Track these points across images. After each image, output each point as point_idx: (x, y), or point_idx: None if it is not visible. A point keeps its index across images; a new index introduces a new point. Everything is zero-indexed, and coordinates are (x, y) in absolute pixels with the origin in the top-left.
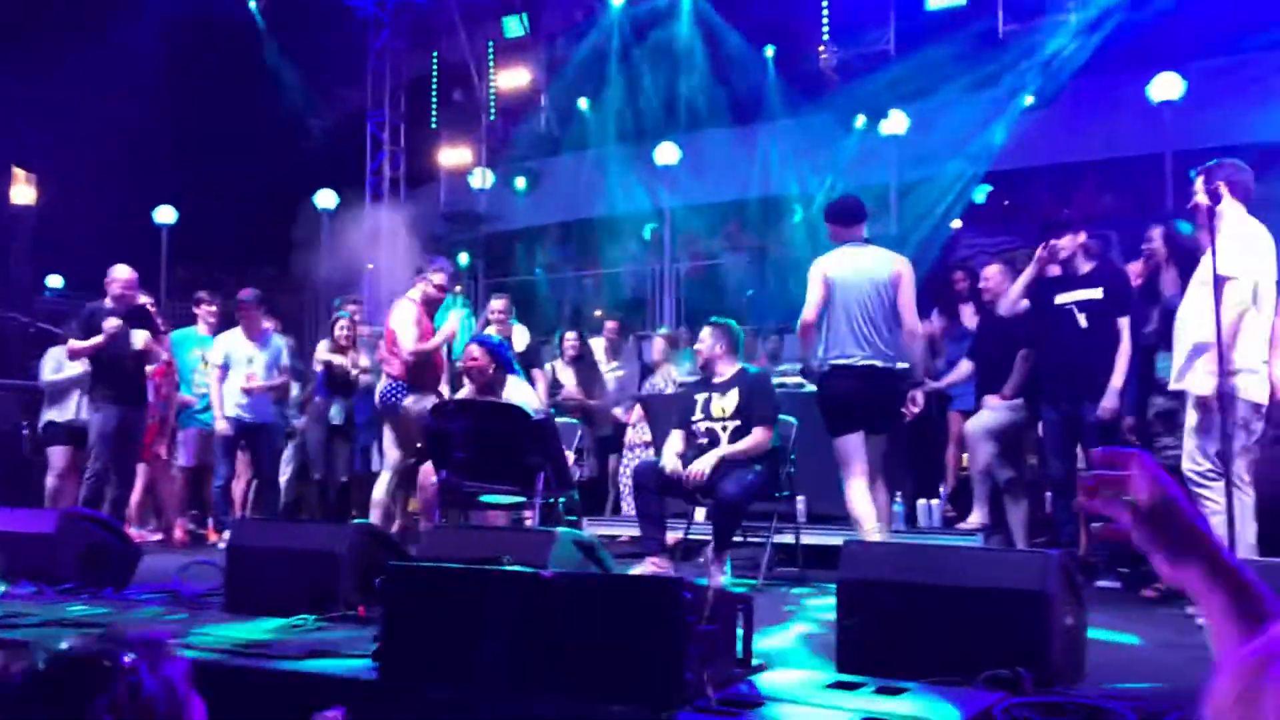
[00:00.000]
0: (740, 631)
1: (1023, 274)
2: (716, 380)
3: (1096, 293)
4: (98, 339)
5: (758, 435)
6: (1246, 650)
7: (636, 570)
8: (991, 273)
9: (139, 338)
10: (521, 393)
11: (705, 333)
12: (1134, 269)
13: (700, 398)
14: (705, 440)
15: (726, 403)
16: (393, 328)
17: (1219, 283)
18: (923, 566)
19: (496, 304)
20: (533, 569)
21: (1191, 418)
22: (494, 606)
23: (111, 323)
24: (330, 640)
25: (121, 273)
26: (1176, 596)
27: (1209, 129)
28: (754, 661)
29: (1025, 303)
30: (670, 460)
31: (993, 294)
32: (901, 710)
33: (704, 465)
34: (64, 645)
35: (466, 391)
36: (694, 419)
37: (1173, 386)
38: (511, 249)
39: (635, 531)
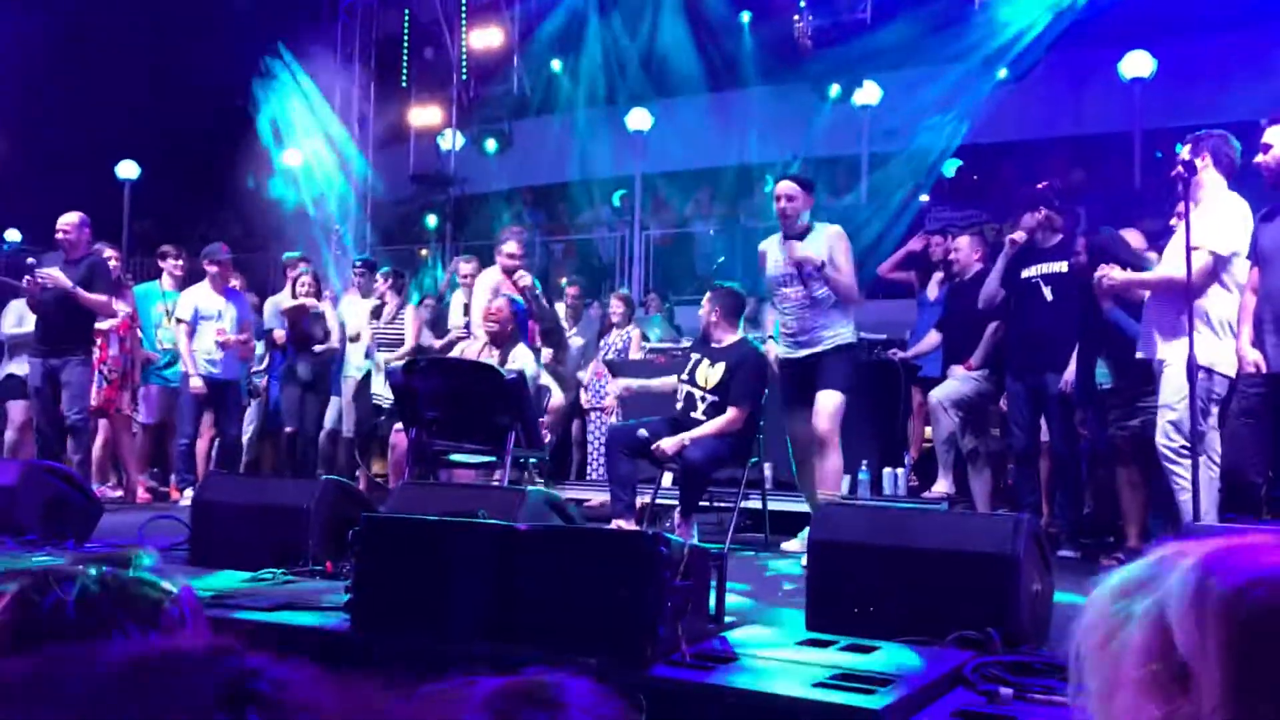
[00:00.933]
0: (713, 589)
1: (998, 261)
2: (714, 345)
3: (1061, 266)
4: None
5: (730, 415)
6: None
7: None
8: (962, 244)
9: (49, 276)
10: (524, 359)
11: (706, 297)
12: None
13: (694, 357)
14: (681, 404)
15: (712, 374)
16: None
17: (1190, 254)
18: (894, 529)
19: (465, 267)
20: (506, 523)
21: (1165, 391)
22: (469, 559)
23: (41, 272)
24: (300, 593)
25: (66, 219)
26: None
27: (1179, 107)
28: (726, 619)
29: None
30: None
31: (961, 265)
32: (873, 666)
33: (669, 445)
34: (94, 571)
35: (474, 348)
36: (682, 377)
37: (1143, 354)
38: (480, 212)
39: (601, 495)
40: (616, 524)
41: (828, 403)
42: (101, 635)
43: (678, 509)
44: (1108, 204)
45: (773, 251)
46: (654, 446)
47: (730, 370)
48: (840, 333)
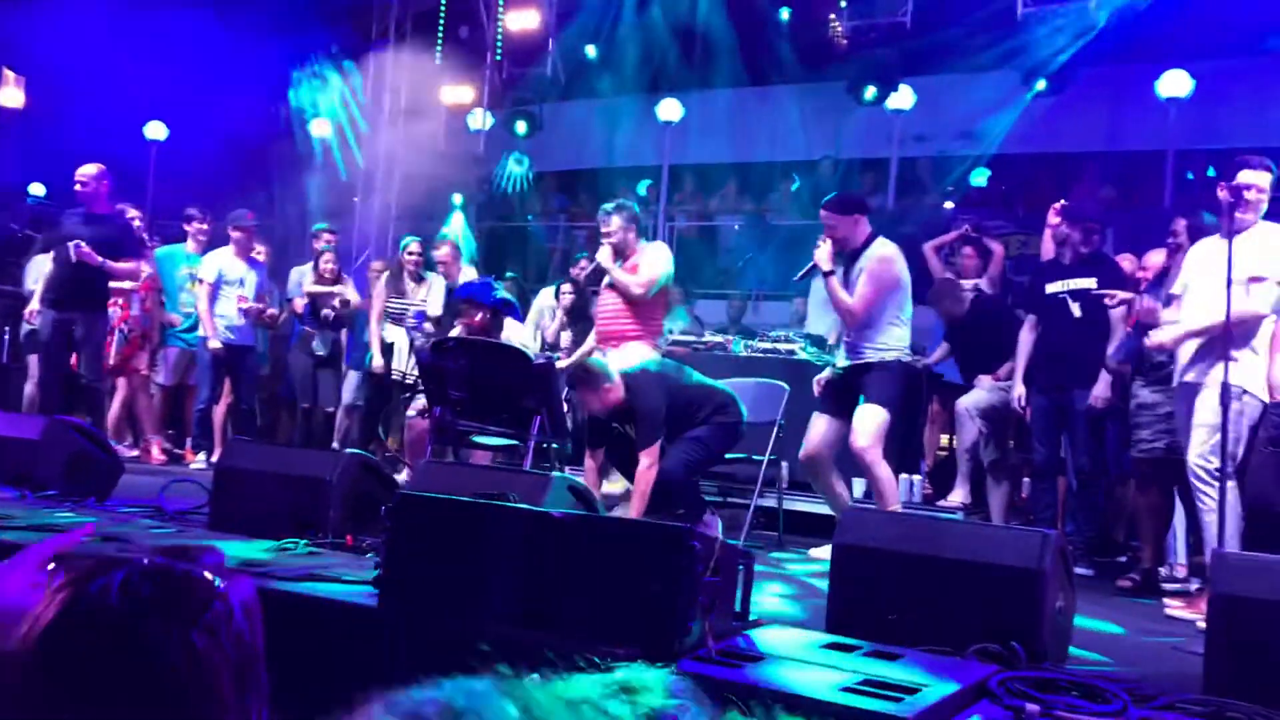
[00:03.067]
0: (740, 587)
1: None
2: None
3: (1090, 282)
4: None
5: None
6: None
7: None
8: (967, 252)
9: (69, 250)
10: (518, 335)
11: None
12: (1155, 259)
13: None
14: None
15: None
16: None
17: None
18: (920, 537)
19: (441, 251)
20: (543, 509)
21: (1203, 411)
22: (501, 542)
23: (70, 246)
24: (325, 565)
25: (83, 170)
26: (1149, 588)
27: (1213, 130)
28: (750, 617)
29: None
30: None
31: (974, 278)
32: (898, 675)
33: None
34: (146, 561)
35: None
36: None
37: (1184, 379)
38: (506, 194)
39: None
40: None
41: (865, 419)
42: (140, 626)
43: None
44: (1137, 222)
45: None
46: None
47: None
48: (889, 347)
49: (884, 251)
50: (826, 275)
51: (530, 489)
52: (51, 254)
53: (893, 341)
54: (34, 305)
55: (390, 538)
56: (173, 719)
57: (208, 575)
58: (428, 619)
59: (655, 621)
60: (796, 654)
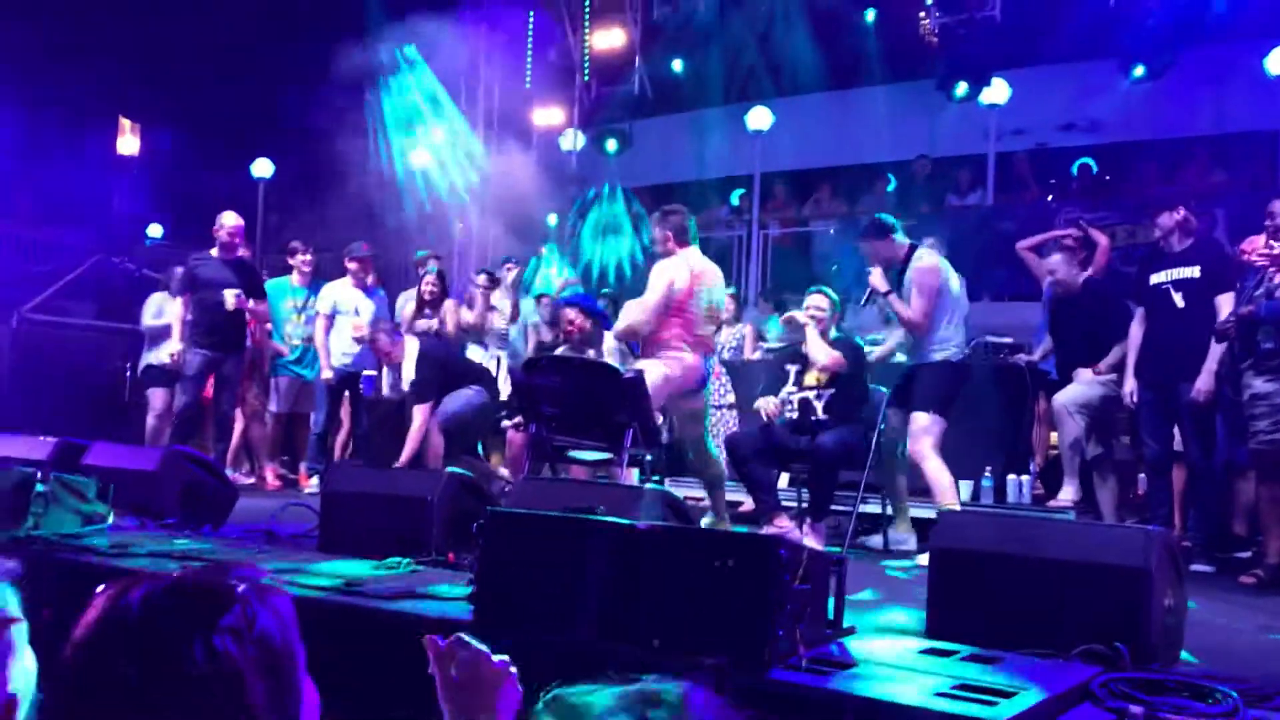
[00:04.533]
0: (832, 594)
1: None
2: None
3: (1193, 271)
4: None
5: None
6: None
7: (765, 532)
8: (1056, 264)
9: (229, 298)
10: (611, 349)
11: (813, 300)
12: (1257, 244)
13: (792, 369)
14: (797, 413)
15: (821, 373)
16: None
17: None
18: (1020, 538)
19: (481, 279)
20: (627, 521)
21: None
22: (589, 555)
23: (229, 294)
24: (425, 582)
25: (229, 219)
26: (1274, 583)
27: None
28: (844, 624)
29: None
30: (766, 404)
31: (1065, 285)
32: (996, 678)
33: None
34: (175, 574)
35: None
36: (788, 391)
37: None
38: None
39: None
40: (778, 523)
41: (914, 424)
42: (158, 631)
43: (807, 513)
44: (1249, 206)
45: None
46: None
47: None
48: (940, 348)
49: (925, 262)
50: (886, 295)
51: (623, 502)
52: (187, 296)
53: (942, 343)
54: (176, 346)
55: (483, 554)
56: (199, 717)
57: (230, 583)
58: (519, 632)
59: (743, 631)
60: (891, 660)
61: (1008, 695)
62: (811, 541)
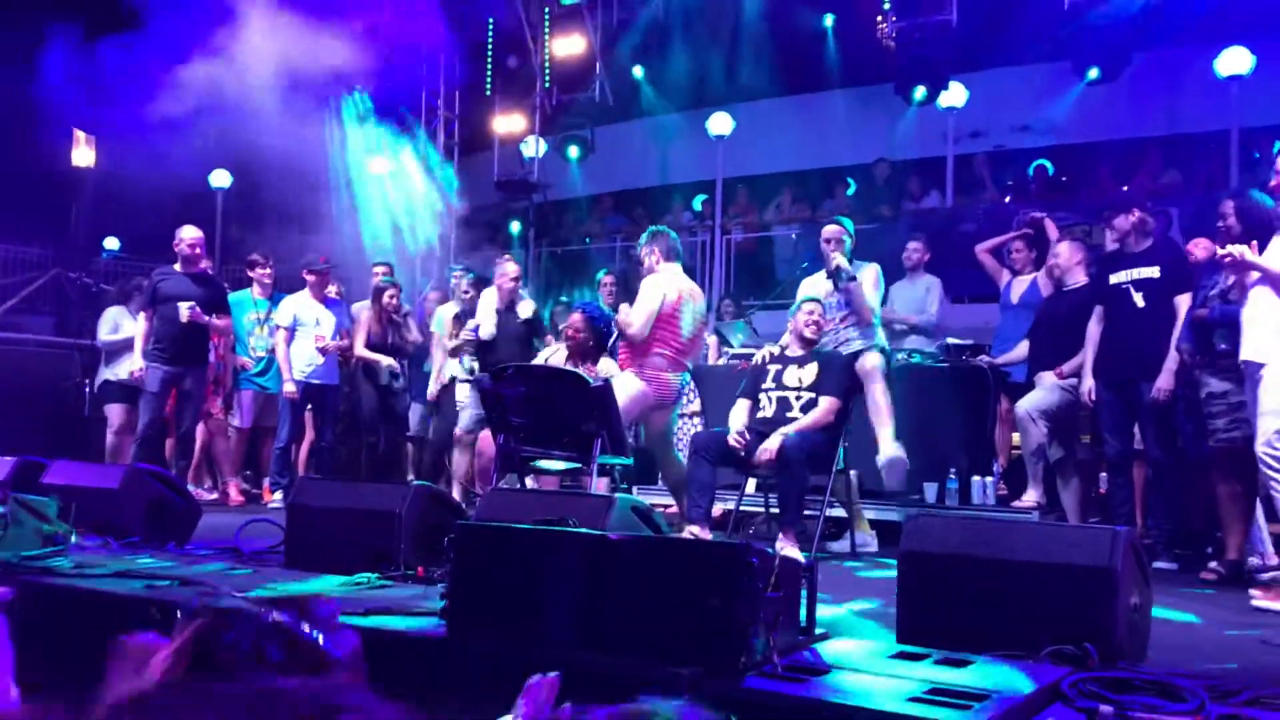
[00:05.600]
0: (804, 600)
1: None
2: (791, 354)
3: (1153, 271)
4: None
5: (824, 405)
6: None
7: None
8: (1062, 250)
9: (183, 310)
10: (610, 370)
11: (815, 307)
12: (1203, 244)
13: (774, 368)
14: (773, 409)
15: (805, 374)
16: None
17: None
18: (987, 540)
19: (464, 283)
20: (599, 531)
21: (1266, 398)
22: (561, 567)
23: (183, 307)
24: (395, 598)
25: (188, 233)
26: (1234, 579)
27: (1278, 105)
28: (816, 630)
29: (1083, 279)
30: (737, 424)
31: (1063, 270)
32: (967, 681)
33: (773, 444)
34: (270, 618)
35: (560, 357)
36: (764, 387)
37: (1247, 357)
38: (563, 218)
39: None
40: (690, 530)
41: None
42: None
43: (780, 524)
44: (1202, 206)
45: None
46: (756, 454)
47: (822, 367)
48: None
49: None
50: (852, 280)
51: (594, 512)
52: (149, 311)
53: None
54: (139, 362)
55: (454, 568)
56: None
57: (320, 637)
58: (494, 646)
59: (717, 640)
60: (864, 665)
61: (980, 698)
62: (791, 549)
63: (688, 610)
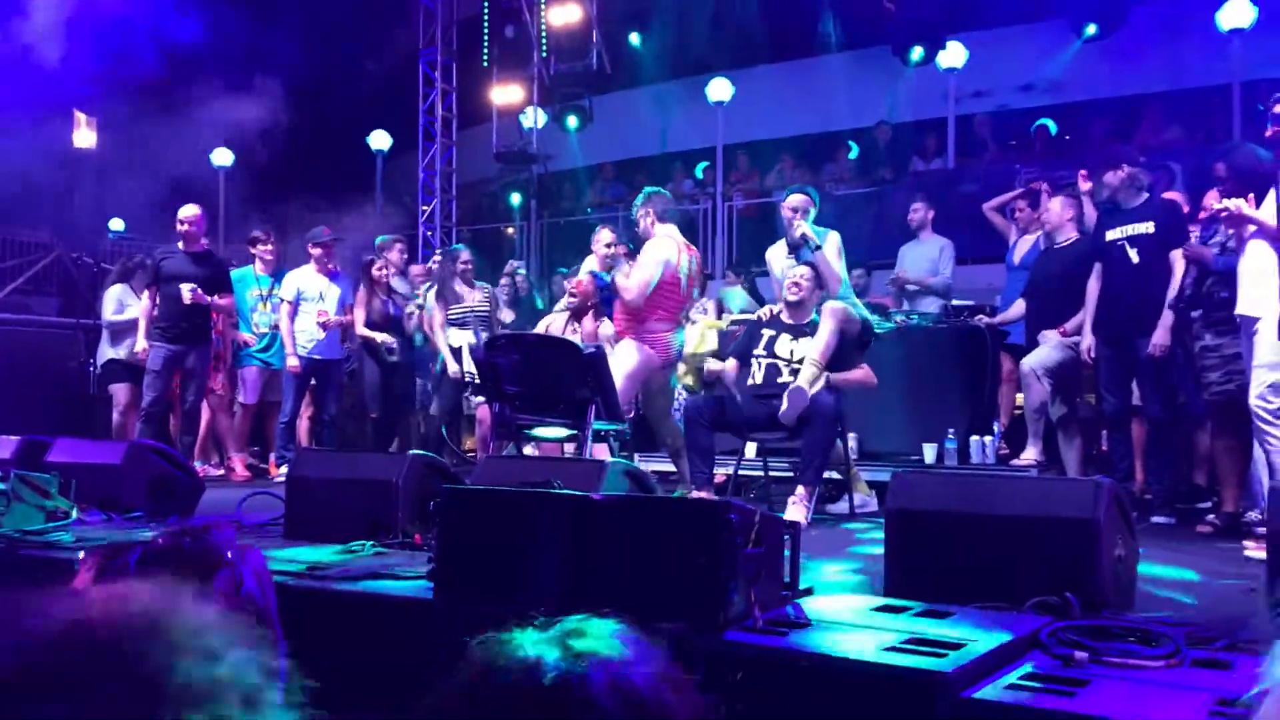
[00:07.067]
0: (787, 557)
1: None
2: (785, 320)
3: (1148, 227)
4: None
5: (865, 370)
6: None
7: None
8: (1054, 205)
9: (185, 292)
10: (609, 332)
11: (806, 273)
12: (1208, 200)
13: (767, 333)
14: (763, 375)
15: (797, 347)
16: None
17: None
18: (972, 496)
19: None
20: (581, 493)
21: (1261, 351)
22: (544, 528)
23: (185, 289)
24: (388, 564)
25: (188, 211)
26: (1231, 531)
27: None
28: (802, 586)
29: (1074, 235)
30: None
31: (1053, 226)
32: (947, 632)
33: (794, 403)
34: (159, 540)
35: (560, 321)
36: (755, 353)
37: (1242, 311)
38: (563, 188)
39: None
40: (695, 495)
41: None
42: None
43: (801, 480)
44: (1205, 161)
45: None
46: (781, 413)
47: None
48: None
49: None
50: (817, 249)
51: (586, 477)
52: (153, 289)
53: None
54: (142, 342)
55: (441, 532)
56: None
57: (217, 546)
58: (478, 607)
59: (698, 595)
60: (846, 619)
61: (956, 647)
62: (800, 509)
63: (670, 568)
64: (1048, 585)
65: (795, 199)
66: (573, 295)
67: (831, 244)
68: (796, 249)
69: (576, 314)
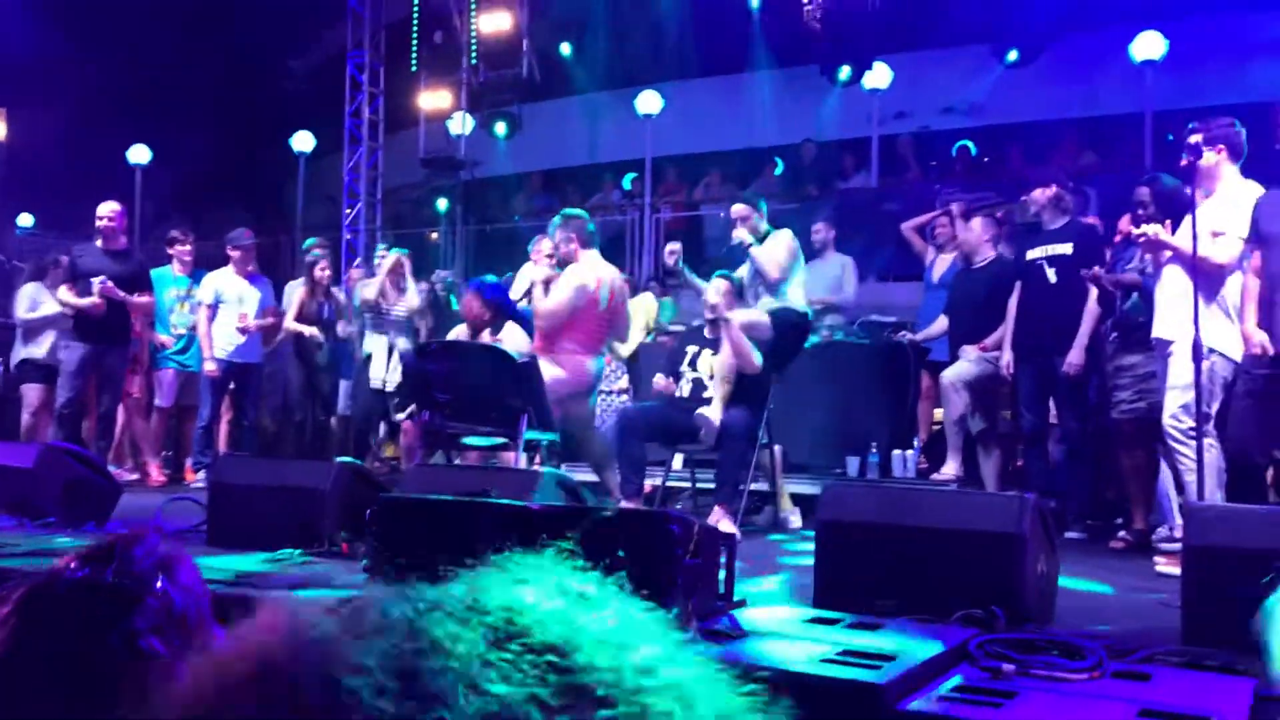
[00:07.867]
0: (723, 568)
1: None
2: (708, 335)
3: (1066, 248)
4: (88, 301)
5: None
6: None
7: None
8: (975, 226)
9: (94, 285)
10: (515, 337)
11: (719, 282)
12: (1123, 224)
13: (691, 350)
14: (689, 389)
15: (716, 362)
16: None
17: (1198, 240)
18: (901, 508)
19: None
20: (520, 503)
21: (1174, 372)
22: (483, 539)
23: (95, 282)
24: (318, 573)
25: (106, 207)
26: (1141, 547)
27: (1191, 89)
28: (735, 598)
29: (992, 254)
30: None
31: (971, 247)
32: (878, 644)
33: (713, 412)
34: (78, 571)
35: (460, 332)
36: (680, 369)
37: (1158, 334)
38: (490, 196)
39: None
40: (624, 504)
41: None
42: (78, 647)
43: (715, 498)
44: (1119, 187)
45: None
46: (697, 414)
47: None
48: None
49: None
50: (748, 249)
51: (518, 485)
52: (65, 286)
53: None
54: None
55: (376, 541)
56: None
57: (138, 574)
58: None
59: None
60: (780, 630)
61: (889, 659)
62: (726, 524)
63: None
64: (973, 598)
65: (736, 208)
66: (467, 318)
67: (781, 241)
68: (736, 252)
69: (474, 332)
